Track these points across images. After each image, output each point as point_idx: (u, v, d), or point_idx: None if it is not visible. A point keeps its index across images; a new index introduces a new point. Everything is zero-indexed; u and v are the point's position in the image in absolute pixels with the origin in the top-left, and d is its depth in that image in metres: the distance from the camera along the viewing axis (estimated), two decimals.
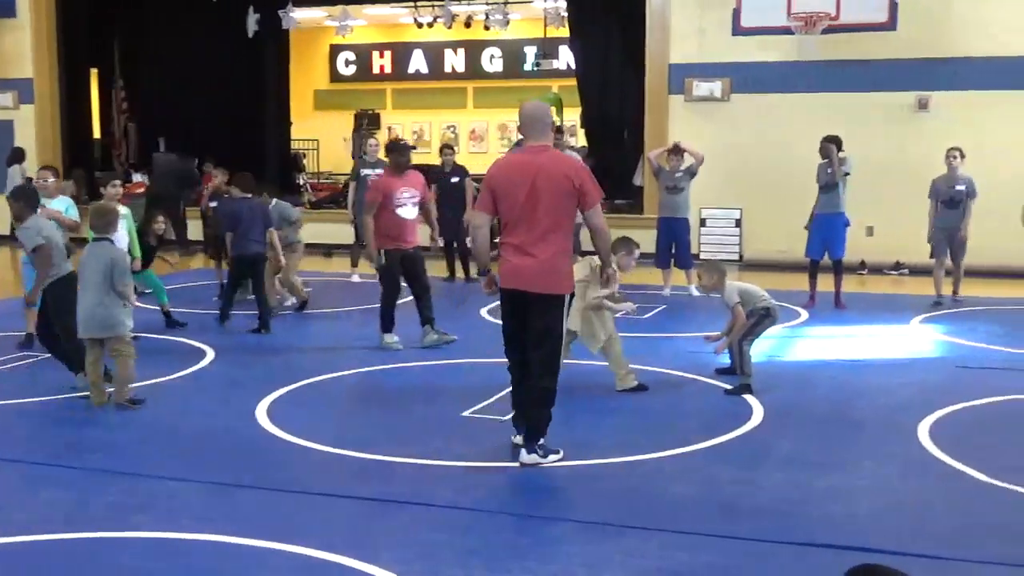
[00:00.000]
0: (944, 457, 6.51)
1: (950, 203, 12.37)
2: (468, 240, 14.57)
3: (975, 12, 15.41)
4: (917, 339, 10.57)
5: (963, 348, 10.05)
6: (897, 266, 15.59)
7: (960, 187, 12.37)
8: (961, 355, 9.71)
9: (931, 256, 12.60)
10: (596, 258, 7.74)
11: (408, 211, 9.87)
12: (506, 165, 6.55)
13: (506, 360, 6.62)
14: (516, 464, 6.36)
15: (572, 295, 6.51)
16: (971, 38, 15.42)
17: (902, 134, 15.63)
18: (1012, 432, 7.24)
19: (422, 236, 10.30)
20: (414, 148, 12.45)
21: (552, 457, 6.35)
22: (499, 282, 6.48)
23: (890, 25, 15.13)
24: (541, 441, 6.37)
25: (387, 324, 9.95)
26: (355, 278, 14.42)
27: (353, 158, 19.43)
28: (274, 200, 12.06)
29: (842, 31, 15.27)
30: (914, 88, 15.73)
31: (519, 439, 6.50)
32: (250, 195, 11.03)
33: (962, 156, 12.51)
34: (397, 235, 9.82)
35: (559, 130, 14.07)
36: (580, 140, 20.99)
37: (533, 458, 6.29)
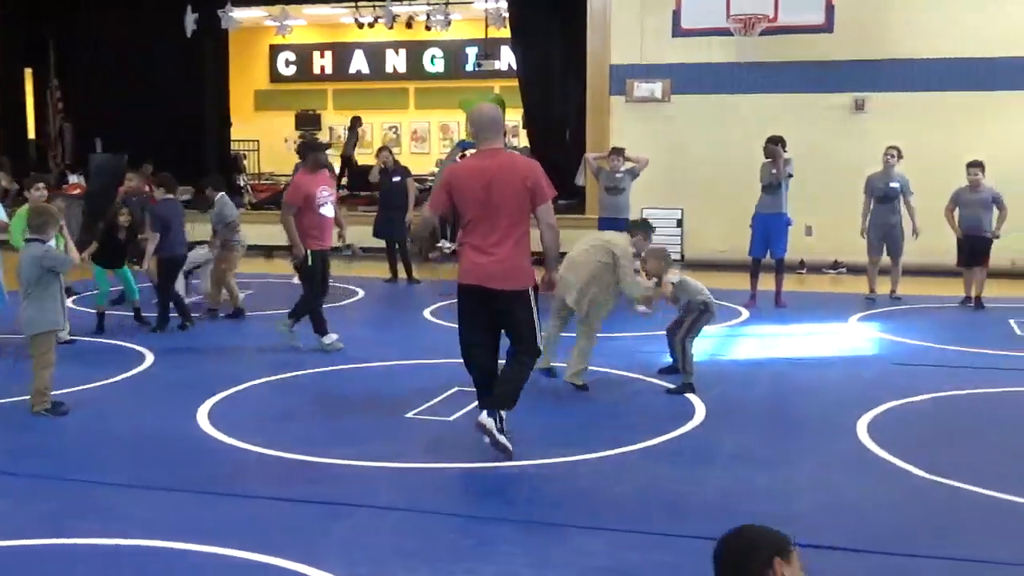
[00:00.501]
0: (882, 453, 6.61)
1: (884, 199, 12.61)
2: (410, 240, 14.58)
3: (908, 15, 15.68)
4: (855, 337, 10.73)
5: (899, 345, 10.22)
6: (835, 265, 15.80)
7: (894, 184, 12.60)
8: (897, 352, 9.88)
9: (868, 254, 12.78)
10: (617, 242, 8.25)
11: (329, 210, 9.93)
12: (465, 168, 6.77)
13: (461, 359, 6.74)
14: (459, 465, 6.37)
15: (536, 287, 6.66)
16: (905, 40, 15.69)
17: (840, 134, 15.85)
18: (947, 428, 7.37)
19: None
20: (328, 147, 12.50)
21: (502, 439, 6.39)
22: (459, 279, 6.59)
23: (827, 27, 15.32)
24: (504, 416, 6.48)
25: (321, 326, 9.90)
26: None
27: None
28: (220, 193, 11.95)
29: (780, 33, 15.43)
30: (851, 89, 15.96)
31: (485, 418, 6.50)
32: (172, 196, 10.99)
33: (899, 155, 12.76)
34: (319, 235, 9.84)
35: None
36: (522, 140, 21.03)
37: (491, 422, 6.39)
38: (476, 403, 6.84)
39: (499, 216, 6.39)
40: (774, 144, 12.27)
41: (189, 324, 10.80)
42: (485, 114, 6.62)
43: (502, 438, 6.40)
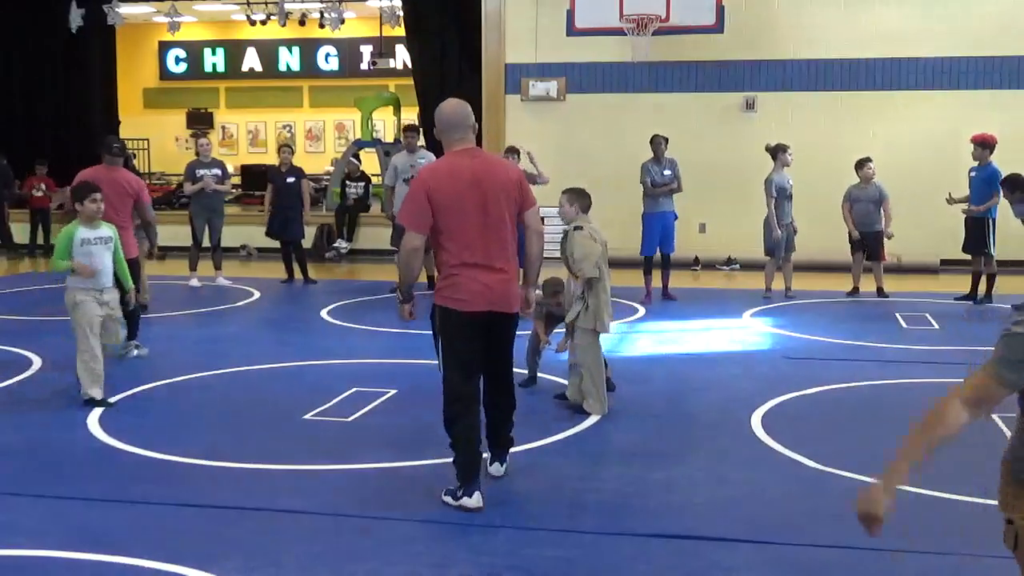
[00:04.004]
0: (776, 446, 6.75)
1: (790, 199, 12.81)
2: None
3: (796, 17, 16.10)
4: (748, 332, 10.94)
5: (791, 340, 10.45)
6: (729, 262, 16.08)
7: (791, 182, 12.83)
8: (789, 347, 10.10)
9: (769, 254, 12.95)
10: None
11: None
12: (445, 174, 5.59)
13: (455, 390, 5.80)
14: (359, 466, 6.34)
15: None
16: (793, 41, 16.10)
17: (731, 133, 16.16)
18: (837, 420, 7.56)
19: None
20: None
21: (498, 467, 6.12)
22: (457, 307, 5.59)
23: (717, 28, 15.60)
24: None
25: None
26: (194, 281, 14.06)
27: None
28: None
29: (672, 33, 15.67)
30: (741, 89, 16.30)
31: (490, 462, 6.12)
32: None
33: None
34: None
35: (412, 129, 13.95)
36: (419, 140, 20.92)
37: (504, 468, 6.13)
38: (374, 405, 6.73)
39: (500, 225, 5.56)
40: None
41: None
42: (451, 110, 5.71)
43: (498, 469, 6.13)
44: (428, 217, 5.49)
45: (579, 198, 7.79)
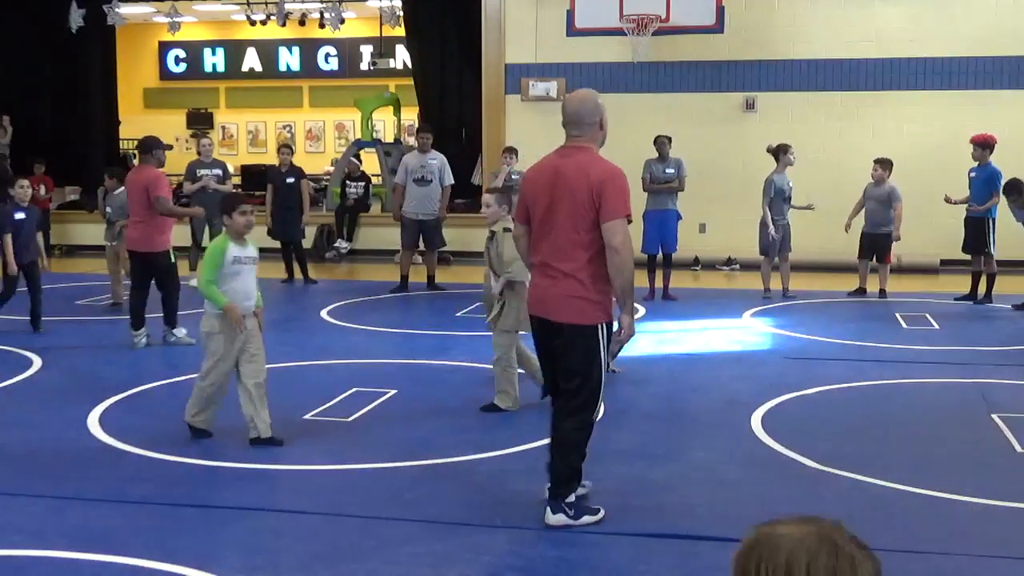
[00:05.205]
0: (776, 446, 6.75)
1: (788, 200, 12.80)
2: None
3: (796, 17, 16.11)
4: (748, 332, 10.93)
5: (791, 340, 10.45)
6: (729, 262, 16.08)
7: (791, 183, 12.81)
8: (789, 347, 10.10)
9: (764, 254, 12.96)
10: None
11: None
12: (535, 171, 5.54)
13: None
14: (359, 466, 6.33)
15: (608, 325, 5.35)
16: (793, 41, 16.10)
17: (731, 133, 16.15)
18: (836, 420, 7.55)
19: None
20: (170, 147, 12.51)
21: (587, 519, 5.34)
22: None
23: (718, 28, 15.60)
24: (571, 498, 5.36)
25: (139, 322, 10.03)
26: (194, 282, 14.00)
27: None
28: (122, 187, 11.79)
29: (672, 33, 15.67)
30: (741, 89, 16.29)
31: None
32: None
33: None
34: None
35: (425, 129, 13.99)
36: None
37: (559, 519, 5.30)
38: (374, 405, 6.71)
39: (559, 226, 5.27)
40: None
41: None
42: (570, 107, 5.40)
43: (586, 520, 5.34)
44: (522, 209, 5.51)
45: (507, 197, 7.78)
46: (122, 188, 11.76)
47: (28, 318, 10.61)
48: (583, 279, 5.25)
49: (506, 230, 7.46)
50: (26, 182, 10.83)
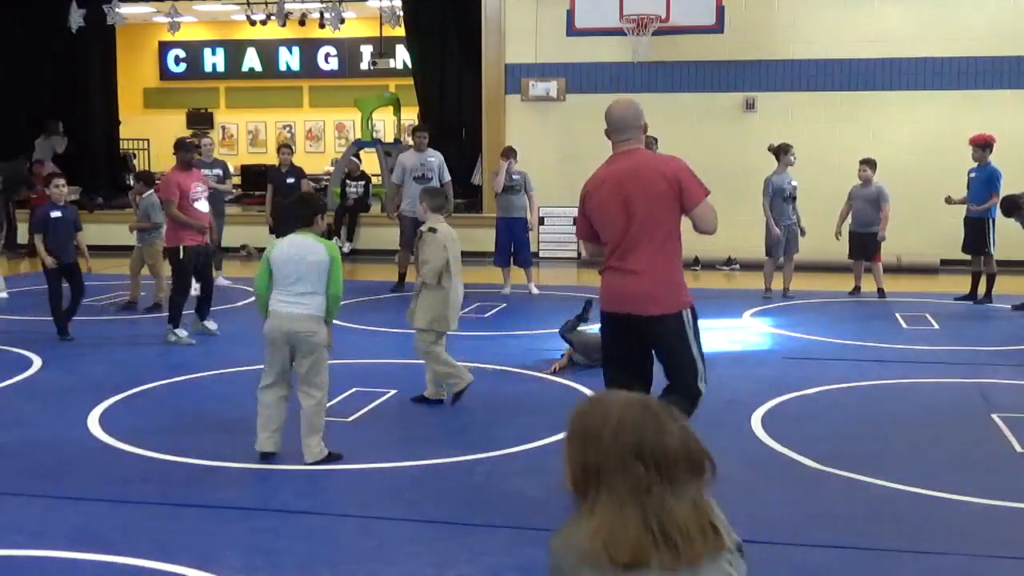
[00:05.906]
0: (775, 446, 6.75)
1: (792, 200, 12.78)
2: None
3: (796, 17, 16.12)
4: (748, 332, 10.93)
5: (791, 340, 10.45)
6: (729, 262, 16.08)
7: (794, 183, 12.80)
8: (789, 347, 10.10)
9: (769, 254, 12.93)
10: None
11: (203, 205, 10.35)
12: (597, 179, 5.67)
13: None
14: (359, 466, 6.33)
15: (693, 310, 5.51)
16: (793, 41, 16.11)
17: (731, 133, 16.16)
18: (836, 420, 7.54)
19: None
20: (199, 147, 12.64)
21: None
22: (601, 306, 5.63)
23: (718, 28, 15.60)
24: None
25: (177, 319, 10.13)
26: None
27: None
28: (149, 191, 11.99)
29: (672, 33, 15.67)
30: (741, 89, 16.30)
31: None
32: None
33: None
34: (200, 229, 10.22)
35: (422, 129, 14.02)
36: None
37: None
38: (374, 405, 6.74)
39: (637, 227, 5.36)
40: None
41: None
42: (615, 114, 5.58)
43: None
44: (585, 226, 5.67)
45: (431, 198, 7.75)
46: (150, 191, 11.86)
47: (24, 318, 10.60)
48: (672, 269, 5.49)
49: (431, 230, 7.50)
50: (62, 180, 10.61)
